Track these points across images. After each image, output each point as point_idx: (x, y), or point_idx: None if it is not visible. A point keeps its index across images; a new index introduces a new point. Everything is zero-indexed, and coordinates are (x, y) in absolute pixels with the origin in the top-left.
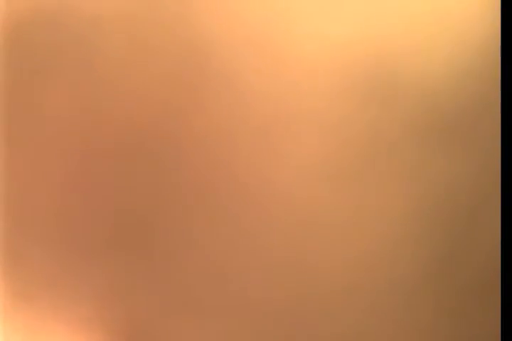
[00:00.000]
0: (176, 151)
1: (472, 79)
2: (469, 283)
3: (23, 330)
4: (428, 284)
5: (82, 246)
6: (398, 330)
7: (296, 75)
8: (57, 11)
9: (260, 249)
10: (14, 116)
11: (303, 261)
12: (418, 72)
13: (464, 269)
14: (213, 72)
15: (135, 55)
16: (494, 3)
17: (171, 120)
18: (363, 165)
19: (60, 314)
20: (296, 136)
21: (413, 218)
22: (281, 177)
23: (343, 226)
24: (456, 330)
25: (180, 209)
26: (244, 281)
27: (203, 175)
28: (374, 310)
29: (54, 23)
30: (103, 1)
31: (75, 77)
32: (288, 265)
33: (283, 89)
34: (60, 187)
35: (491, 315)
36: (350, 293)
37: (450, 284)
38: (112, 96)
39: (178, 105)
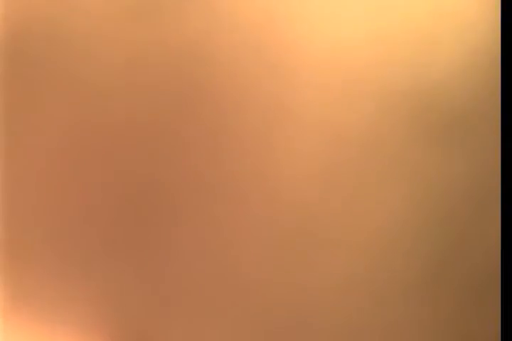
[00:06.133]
0: (174, 153)
1: (472, 80)
2: (469, 282)
3: (22, 331)
4: (427, 283)
5: (81, 247)
6: (396, 328)
7: (296, 77)
8: (56, 18)
9: (258, 248)
10: (13, 118)
11: (302, 259)
12: (419, 72)
13: (464, 269)
14: (214, 76)
15: (133, 59)
16: (494, 4)
17: (169, 121)
18: (362, 166)
19: (59, 315)
20: (296, 136)
21: (413, 218)
22: (281, 177)
23: (342, 225)
24: (455, 329)
25: (175, 210)
26: (242, 281)
27: (202, 175)
28: (372, 309)
29: (52, 29)
30: (99, 7)
31: (74, 80)
32: (286, 263)
33: (284, 92)
34: (59, 189)
35: (491, 315)
36: (348, 291)
37: (449, 283)
38: (110, 97)
39: (176, 106)
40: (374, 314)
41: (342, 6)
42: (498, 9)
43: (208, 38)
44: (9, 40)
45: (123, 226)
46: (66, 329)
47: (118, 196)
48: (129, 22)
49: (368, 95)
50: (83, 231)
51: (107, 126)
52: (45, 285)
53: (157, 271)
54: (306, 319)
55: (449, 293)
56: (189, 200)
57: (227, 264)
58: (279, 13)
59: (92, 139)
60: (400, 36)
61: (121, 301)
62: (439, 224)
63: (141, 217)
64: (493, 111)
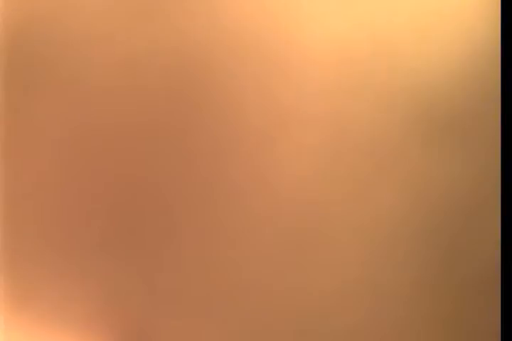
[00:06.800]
0: (174, 152)
1: (472, 79)
2: (469, 282)
3: (23, 331)
4: (427, 283)
5: (81, 247)
6: (396, 328)
7: (296, 77)
8: (56, 18)
9: (259, 248)
10: (13, 118)
11: (302, 259)
12: (419, 72)
13: (464, 268)
14: (215, 75)
15: (132, 59)
16: (494, 3)
17: (169, 121)
18: (362, 165)
19: (59, 315)
20: (296, 137)
21: (412, 217)
22: (282, 177)
23: (342, 225)
24: (456, 328)
25: (176, 210)
26: (242, 281)
27: (202, 175)
28: (372, 309)
29: (52, 29)
30: (99, 7)
31: (74, 80)
32: (287, 262)
33: (283, 91)
34: (59, 189)
35: (491, 315)
36: (348, 290)
37: (449, 283)
38: (110, 97)
39: (177, 106)
40: (374, 313)
41: (343, 5)
42: (498, 9)
43: (209, 37)
44: (9, 40)
45: (123, 227)
46: (66, 329)
47: (118, 196)
48: (128, 22)
49: (368, 95)
50: (83, 232)
51: (107, 126)
52: (45, 285)
53: (157, 271)
54: (306, 318)
55: (449, 293)
56: (189, 200)
57: (227, 264)
58: (280, 11)
59: (91, 139)
60: (401, 36)
61: (121, 301)
62: (439, 224)
63: (141, 217)
64: (493, 110)
